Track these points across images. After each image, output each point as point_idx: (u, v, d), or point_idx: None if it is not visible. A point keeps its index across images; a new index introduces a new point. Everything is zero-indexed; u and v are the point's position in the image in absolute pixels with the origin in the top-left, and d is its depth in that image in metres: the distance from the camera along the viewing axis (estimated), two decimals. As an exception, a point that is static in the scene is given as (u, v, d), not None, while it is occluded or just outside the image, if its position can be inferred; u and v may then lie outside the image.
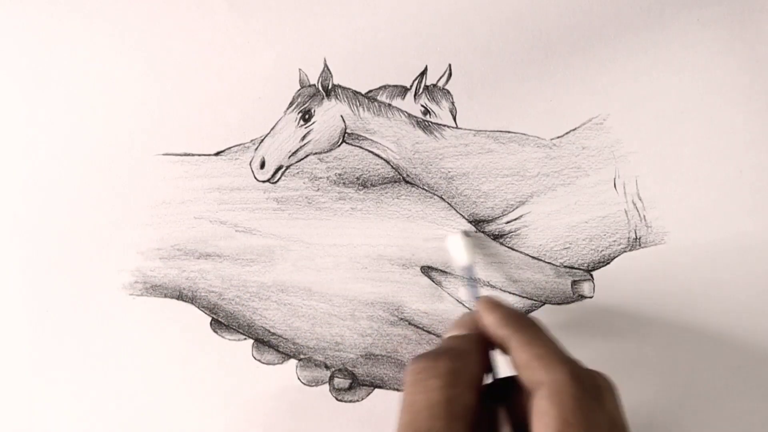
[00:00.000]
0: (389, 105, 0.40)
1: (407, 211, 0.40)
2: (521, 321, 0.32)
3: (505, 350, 0.31)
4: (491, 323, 0.32)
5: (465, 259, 0.38)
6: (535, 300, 0.40)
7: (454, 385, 0.29)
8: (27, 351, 0.40)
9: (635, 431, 0.39)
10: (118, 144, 0.40)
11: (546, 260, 0.40)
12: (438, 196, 0.40)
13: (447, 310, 0.39)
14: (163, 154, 0.40)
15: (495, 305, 0.33)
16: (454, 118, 0.40)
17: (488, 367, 0.32)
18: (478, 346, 0.32)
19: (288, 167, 0.40)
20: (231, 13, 0.40)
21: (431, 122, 0.40)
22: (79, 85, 0.40)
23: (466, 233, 0.39)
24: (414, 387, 0.29)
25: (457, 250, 0.39)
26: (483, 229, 0.40)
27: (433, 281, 0.40)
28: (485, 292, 0.39)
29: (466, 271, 0.38)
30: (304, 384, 0.40)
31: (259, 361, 0.40)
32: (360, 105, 0.40)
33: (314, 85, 0.40)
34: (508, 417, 0.31)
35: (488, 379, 0.32)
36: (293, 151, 0.40)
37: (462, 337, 0.32)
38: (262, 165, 0.40)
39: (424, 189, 0.40)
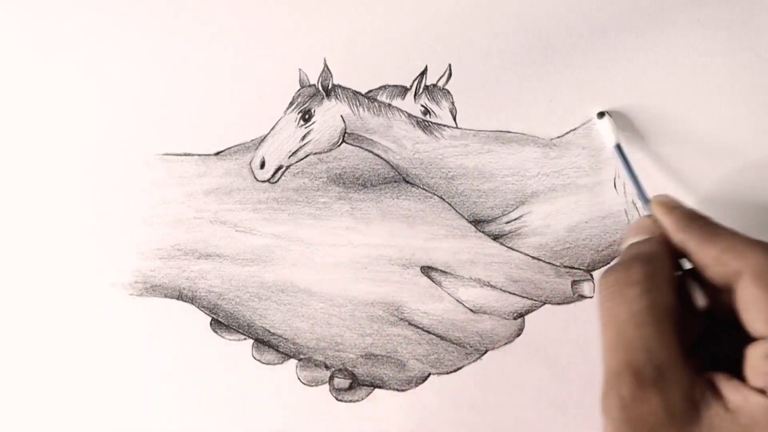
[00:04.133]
0: (389, 105, 0.40)
1: (407, 211, 0.40)
2: (699, 220, 0.31)
3: (687, 254, 0.30)
4: (669, 227, 0.31)
5: (613, 139, 0.38)
6: (535, 300, 0.39)
7: (651, 289, 0.28)
8: (26, 351, 0.40)
9: (635, 431, 0.39)
10: (118, 144, 0.40)
11: (546, 260, 0.40)
12: (438, 196, 0.40)
13: (447, 310, 0.39)
14: (163, 154, 0.40)
15: (670, 207, 0.32)
16: (454, 118, 0.40)
17: (677, 266, 0.31)
18: (663, 247, 0.31)
19: (288, 167, 0.40)
20: (231, 13, 0.40)
21: (431, 122, 0.40)
22: (79, 84, 0.40)
23: (604, 113, 0.39)
24: (612, 300, 0.28)
25: (605, 131, 0.38)
26: (483, 229, 0.40)
27: (433, 281, 0.40)
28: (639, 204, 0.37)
29: (617, 151, 0.37)
30: (304, 384, 0.40)
31: (259, 361, 0.40)
32: (360, 105, 0.40)
33: (314, 85, 0.40)
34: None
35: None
36: (293, 151, 0.40)
37: (645, 242, 0.31)
38: (262, 165, 0.40)
39: (424, 189, 0.40)
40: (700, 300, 0.30)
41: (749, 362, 0.27)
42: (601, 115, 0.39)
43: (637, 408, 0.26)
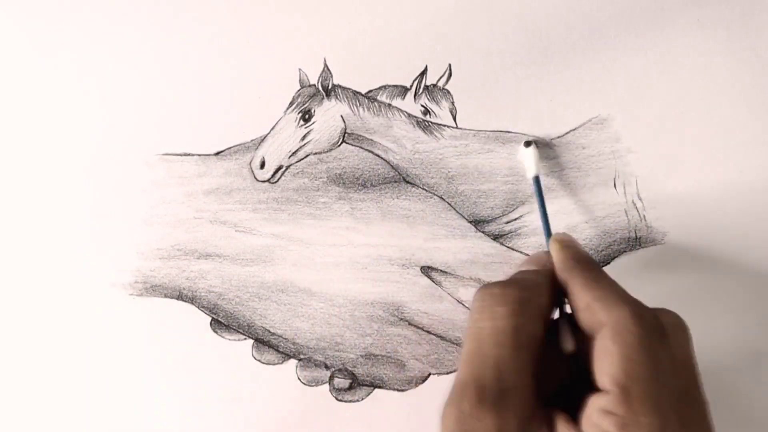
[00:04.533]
0: (389, 105, 0.40)
1: (407, 211, 0.40)
2: (583, 264, 0.31)
3: (567, 295, 0.31)
4: (556, 263, 0.32)
5: (533, 170, 0.38)
6: (535, 300, 0.39)
7: (521, 314, 0.28)
8: (26, 351, 0.40)
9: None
10: (118, 144, 0.40)
11: (546, 260, 0.40)
12: (438, 196, 0.40)
13: (447, 310, 0.39)
14: (163, 154, 0.40)
15: (563, 245, 0.32)
16: (454, 118, 0.40)
17: (557, 304, 0.31)
18: (548, 281, 0.31)
19: (288, 167, 0.40)
20: (231, 13, 0.40)
21: (431, 122, 0.40)
22: (79, 84, 0.40)
23: (530, 143, 0.38)
24: (480, 314, 0.29)
25: (527, 161, 0.38)
26: (483, 229, 0.40)
27: (433, 281, 0.40)
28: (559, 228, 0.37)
29: (534, 183, 0.37)
30: (304, 384, 0.40)
31: (259, 361, 0.40)
32: (360, 105, 0.40)
33: (314, 85, 0.40)
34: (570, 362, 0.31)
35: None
36: (293, 151, 0.40)
37: (532, 272, 0.32)
38: (262, 165, 0.40)
39: (424, 189, 0.40)
40: (569, 344, 0.30)
41: (586, 412, 0.27)
42: (527, 144, 0.39)
43: (472, 424, 0.26)
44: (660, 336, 0.28)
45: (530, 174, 0.38)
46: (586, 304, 0.29)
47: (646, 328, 0.27)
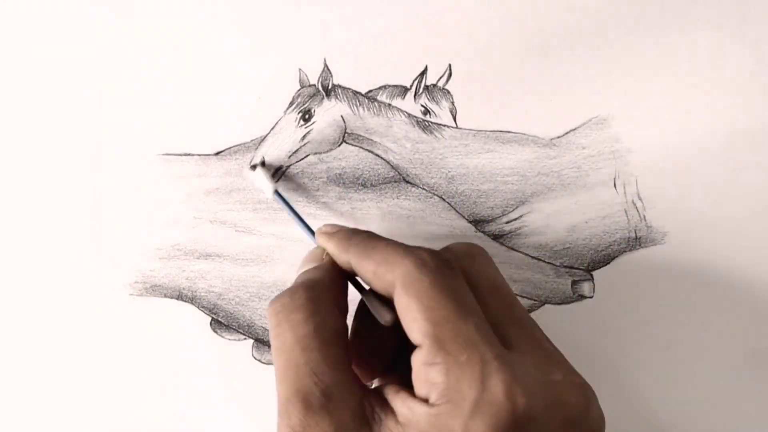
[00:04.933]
0: (389, 105, 0.40)
1: (407, 211, 0.40)
2: (356, 238, 0.31)
3: (355, 273, 0.31)
4: (333, 252, 0.32)
5: (269, 189, 0.38)
6: (535, 300, 0.40)
7: (315, 313, 0.29)
8: (27, 350, 0.40)
9: (635, 430, 0.39)
10: (118, 144, 0.40)
11: (546, 260, 0.40)
12: (438, 196, 0.40)
13: (447, 310, 0.39)
14: (163, 154, 0.40)
15: (330, 233, 0.33)
16: (454, 118, 0.40)
17: (346, 289, 0.32)
18: (330, 272, 0.32)
19: (288, 167, 0.40)
20: (231, 13, 0.40)
21: (431, 122, 0.40)
22: (78, 84, 0.40)
23: (255, 166, 0.39)
24: (279, 327, 0.29)
25: (258, 183, 0.38)
26: (483, 229, 0.40)
27: (433, 281, 0.40)
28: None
29: (278, 201, 0.38)
30: (304, 384, 0.40)
31: (259, 361, 0.40)
32: (360, 105, 0.40)
33: (314, 85, 0.40)
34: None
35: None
36: (293, 151, 0.40)
37: (312, 269, 0.32)
38: (262, 165, 0.40)
39: (424, 189, 0.40)
40: (387, 316, 0.30)
41: (414, 373, 0.27)
42: (253, 167, 0.39)
43: None
44: (450, 272, 0.28)
45: (269, 193, 0.38)
46: (372, 272, 0.29)
47: (431, 270, 0.27)
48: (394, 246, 0.29)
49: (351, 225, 0.40)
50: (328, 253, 0.33)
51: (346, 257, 0.31)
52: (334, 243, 0.32)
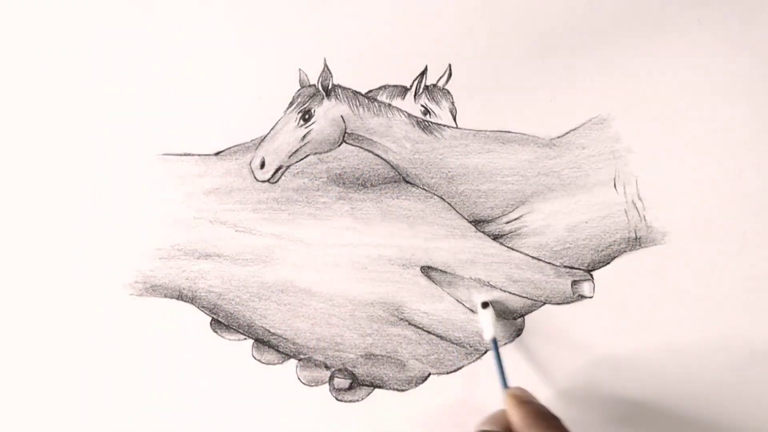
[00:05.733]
0: (389, 105, 0.40)
1: (407, 211, 0.40)
2: (544, 422, 0.32)
3: None
4: (515, 422, 0.33)
5: (491, 332, 0.38)
6: (535, 300, 0.40)
7: None
8: (27, 350, 0.40)
9: (635, 430, 0.39)
10: (118, 144, 0.40)
11: (546, 260, 0.40)
12: (438, 196, 0.40)
13: (447, 310, 0.39)
14: (163, 154, 0.40)
15: (521, 402, 0.33)
16: (454, 118, 0.40)
17: None
18: None
19: (288, 167, 0.40)
20: (231, 14, 0.40)
21: (431, 122, 0.40)
22: (79, 84, 0.40)
23: (487, 304, 0.39)
24: None
25: (483, 322, 0.38)
26: (483, 229, 0.40)
27: (433, 281, 0.40)
28: (513, 380, 0.38)
29: (492, 345, 0.38)
30: (304, 384, 0.40)
31: (259, 361, 0.40)
32: (360, 105, 0.40)
33: (314, 85, 0.40)
34: None
35: None
36: (293, 151, 0.40)
37: None
38: (262, 165, 0.40)
39: (424, 189, 0.40)
40: None
41: None
42: (485, 305, 0.39)
43: None
44: None
45: (487, 336, 0.38)
46: None
47: None
48: None
49: (351, 225, 0.40)
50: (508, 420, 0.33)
51: None
52: (522, 414, 0.33)
